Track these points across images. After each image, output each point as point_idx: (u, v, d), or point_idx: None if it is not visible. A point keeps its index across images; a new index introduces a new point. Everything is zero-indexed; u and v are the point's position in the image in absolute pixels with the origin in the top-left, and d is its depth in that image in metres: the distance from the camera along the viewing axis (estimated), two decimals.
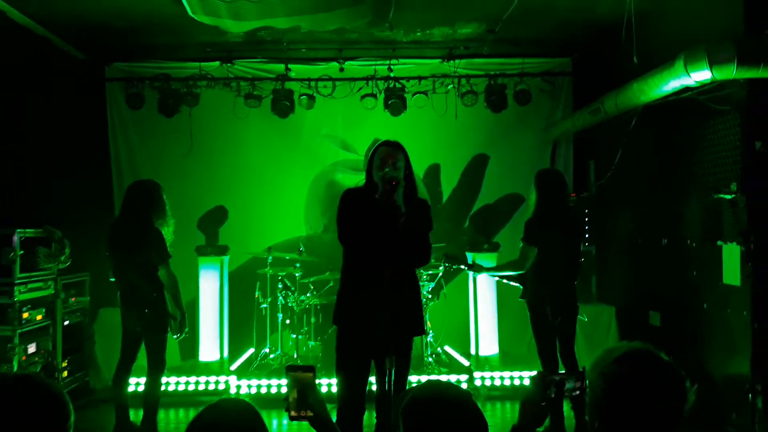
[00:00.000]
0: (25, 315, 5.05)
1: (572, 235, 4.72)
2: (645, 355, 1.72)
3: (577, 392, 2.00)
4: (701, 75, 4.12)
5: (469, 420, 1.69)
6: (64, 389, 4.87)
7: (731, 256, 4.50)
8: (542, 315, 4.54)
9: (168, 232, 4.56)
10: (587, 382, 1.79)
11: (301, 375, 2.06)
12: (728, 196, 3.51)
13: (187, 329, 4.67)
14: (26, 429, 1.56)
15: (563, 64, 7.13)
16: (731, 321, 4.52)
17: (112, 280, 4.67)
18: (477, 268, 5.00)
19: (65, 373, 5.61)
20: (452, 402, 1.71)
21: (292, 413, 2.04)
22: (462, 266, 5.03)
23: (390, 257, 3.28)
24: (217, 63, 6.86)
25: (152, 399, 4.62)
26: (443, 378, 5.81)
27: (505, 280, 5.02)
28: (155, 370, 4.59)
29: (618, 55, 5.27)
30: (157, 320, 4.47)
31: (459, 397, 1.73)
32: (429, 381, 1.87)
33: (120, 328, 4.71)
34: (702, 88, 4.38)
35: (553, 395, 1.97)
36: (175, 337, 4.62)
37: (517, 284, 4.82)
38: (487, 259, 6.15)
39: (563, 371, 4.56)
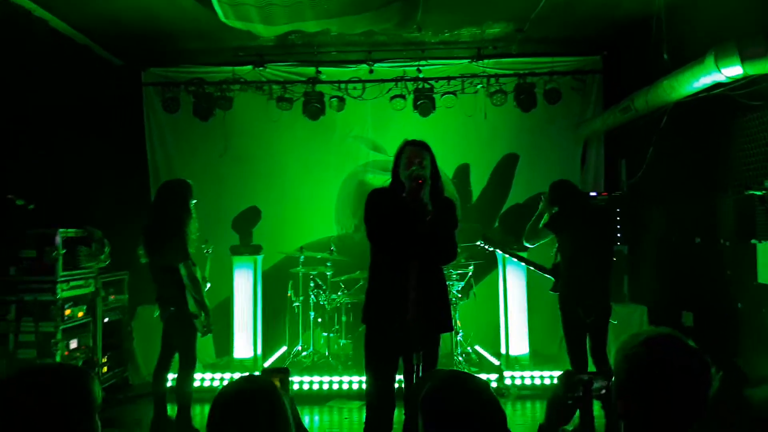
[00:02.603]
0: (67, 312, 5.25)
1: (602, 233, 4.72)
2: (670, 339, 1.72)
3: (604, 391, 2.00)
4: (733, 70, 4.08)
5: (486, 409, 1.73)
6: (104, 384, 5.03)
7: (766, 255, 4.43)
8: (574, 313, 4.54)
9: (191, 230, 4.63)
10: (612, 365, 1.80)
11: (279, 376, 2.15)
12: (759, 192, 3.47)
13: (213, 327, 4.76)
14: (54, 407, 1.66)
15: (593, 62, 7.08)
16: (766, 321, 4.45)
17: None
18: (511, 254, 5.18)
19: (105, 369, 5.80)
20: (469, 391, 1.75)
21: None
22: (498, 249, 5.15)
23: (416, 255, 3.34)
24: (250, 67, 7.01)
25: (183, 393, 4.72)
26: None
27: (534, 268, 5.10)
28: (184, 365, 4.70)
29: (648, 51, 5.23)
30: (182, 317, 4.58)
31: (476, 387, 1.77)
32: (448, 371, 1.91)
33: (157, 325, 4.85)
34: (734, 84, 4.33)
35: (580, 394, 1.98)
36: (200, 335, 4.71)
37: (549, 276, 4.85)
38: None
39: (592, 370, 4.55)
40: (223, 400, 1.78)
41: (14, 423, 1.62)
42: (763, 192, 3.45)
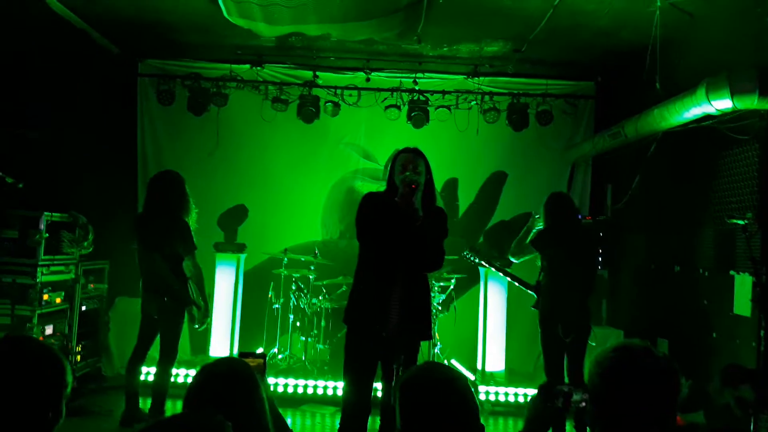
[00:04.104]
0: (45, 297, 5.18)
1: (585, 254, 4.77)
2: (639, 347, 1.80)
3: (583, 404, 2.04)
4: (722, 104, 4.18)
5: (459, 398, 1.78)
6: (77, 373, 4.99)
7: (743, 286, 4.51)
8: (553, 331, 4.58)
9: (191, 221, 4.67)
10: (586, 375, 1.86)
11: (253, 361, 2.17)
12: (741, 222, 3.56)
13: (209, 319, 4.78)
14: (23, 384, 1.67)
15: (586, 87, 7.19)
16: (740, 351, 4.53)
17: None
18: (497, 268, 5.26)
19: (78, 358, 5.72)
20: (443, 380, 1.80)
21: None
22: (483, 261, 5.21)
23: (404, 259, 3.38)
24: (248, 66, 7.02)
25: (161, 388, 4.71)
26: None
27: (518, 284, 5.17)
28: (166, 359, 4.69)
29: (641, 80, 5.33)
30: (176, 309, 4.57)
31: (451, 377, 1.83)
32: (426, 361, 1.96)
33: (134, 318, 4.84)
34: (722, 117, 4.43)
35: (560, 405, 2.02)
36: (196, 326, 4.72)
37: (531, 292, 4.90)
38: (500, 274, 6.26)
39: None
40: (206, 373, 1.89)
41: None
42: (746, 222, 3.55)
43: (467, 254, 5.33)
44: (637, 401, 1.71)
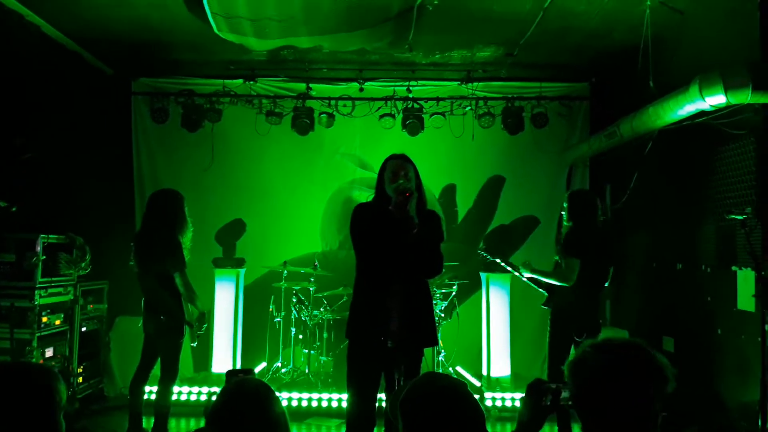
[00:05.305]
0: (44, 319, 5.14)
1: (601, 254, 4.72)
2: (618, 341, 1.77)
3: (571, 402, 2.01)
4: (716, 99, 4.16)
5: (462, 406, 1.75)
6: (79, 395, 4.94)
7: (746, 281, 4.48)
8: (566, 331, 4.53)
9: (186, 240, 4.65)
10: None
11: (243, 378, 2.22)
12: (740, 216, 3.54)
13: (206, 325, 4.72)
14: (9, 408, 1.65)
15: (580, 88, 7.19)
16: (745, 347, 4.49)
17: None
18: (516, 268, 4.96)
19: (80, 379, 5.68)
20: (444, 389, 1.78)
21: None
22: (498, 260, 5.12)
23: (403, 267, 3.35)
24: (240, 81, 7.03)
25: (163, 407, 4.67)
26: None
27: (533, 284, 5.04)
28: (167, 377, 4.65)
29: (634, 79, 5.32)
30: (172, 327, 4.54)
31: (451, 385, 1.81)
32: (425, 373, 1.94)
33: (135, 337, 4.82)
34: (717, 113, 4.41)
35: (548, 403, 1.99)
36: (197, 335, 4.67)
37: (542, 290, 4.84)
38: (501, 279, 6.24)
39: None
40: (222, 391, 2.01)
41: None
42: (745, 216, 3.53)
43: (481, 252, 5.24)
44: (618, 396, 1.67)
